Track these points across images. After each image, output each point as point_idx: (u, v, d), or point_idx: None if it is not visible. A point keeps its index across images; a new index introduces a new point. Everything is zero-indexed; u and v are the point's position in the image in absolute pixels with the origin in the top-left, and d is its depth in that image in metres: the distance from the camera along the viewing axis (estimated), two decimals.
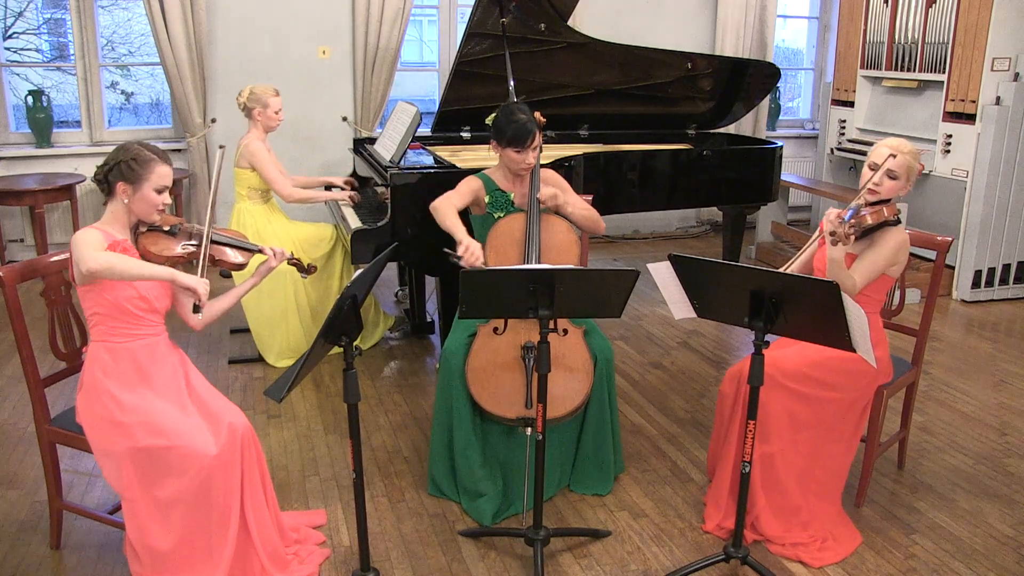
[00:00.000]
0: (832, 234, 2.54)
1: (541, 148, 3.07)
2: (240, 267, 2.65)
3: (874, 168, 2.72)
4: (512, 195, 3.10)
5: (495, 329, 2.82)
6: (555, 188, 3.06)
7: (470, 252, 2.84)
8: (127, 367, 2.40)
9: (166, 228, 2.50)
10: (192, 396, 2.46)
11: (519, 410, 2.79)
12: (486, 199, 3.12)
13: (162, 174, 2.40)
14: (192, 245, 2.52)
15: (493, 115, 3.06)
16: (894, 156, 2.69)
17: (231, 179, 4.26)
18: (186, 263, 2.53)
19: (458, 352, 2.87)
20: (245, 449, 2.39)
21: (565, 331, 2.86)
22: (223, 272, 3.54)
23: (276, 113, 4.10)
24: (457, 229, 2.96)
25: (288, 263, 2.73)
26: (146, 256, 2.42)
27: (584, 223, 3.15)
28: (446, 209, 3.04)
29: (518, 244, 2.93)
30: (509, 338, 2.82)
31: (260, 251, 2.64)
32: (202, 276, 2.43)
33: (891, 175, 2.71)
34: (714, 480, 2.92)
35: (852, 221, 2.56)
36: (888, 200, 2.75)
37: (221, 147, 2.59)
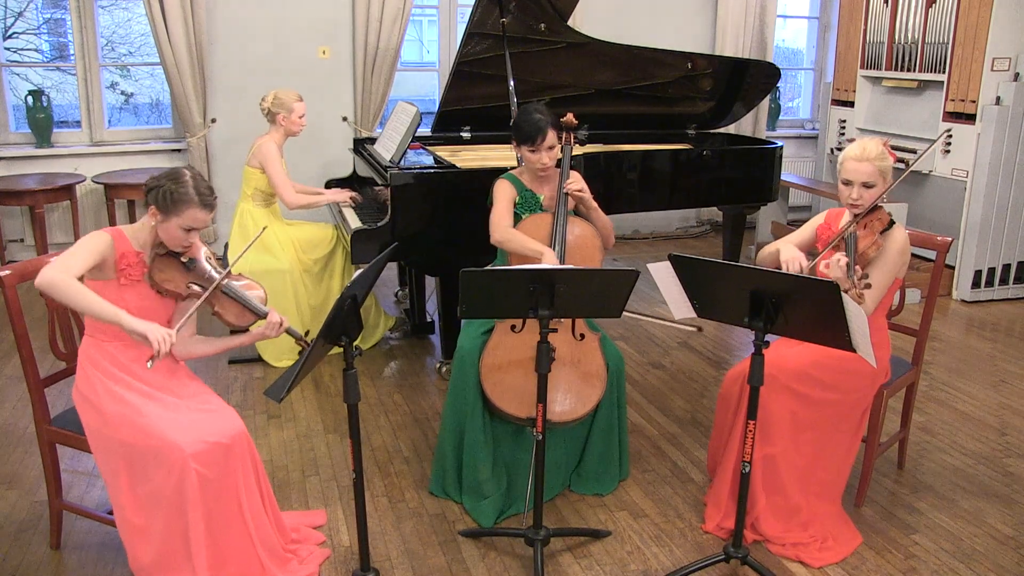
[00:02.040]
0: (846, 292, 2.42)
1: (572, 148, 3.06)
2: (238, 328, 2.45)
3: (848, 184, 2.68)
4: (542, 197, 3.09)
5: (512, 327, 2.81)
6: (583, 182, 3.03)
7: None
8: (109, 363, 2.40)
9: (184, 259, 2.42)
10: (184, 397, 2.45)
11: (529, 410, 2.76)
12: (516, 199, 3.08)
13: (194, 217, 2.34)
14: (198, 286, 2.40)
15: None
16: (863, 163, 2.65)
17: (235, 178, 4.25)
18: (186, 300, 2.44)
19: (472, 350, 2.85)
20: (240, 452, 2.38)
21: (582, 335, 2.85)
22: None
23: (300, 118, 4.14)
24: (530, 244, 2.87)
25: (287, 333, 2.50)
26: (151, 279, 2.37)
27: (602, 231, 3.09)
28: (507, 233, 2.94)
29: (542, 244, 2.92)
30: (526, 337, 2.80)
31: (264, 316, 2.46)
32: (174, 327, 2.32)
33: (867, 184, 2.66)
34: (714, 480, 2.91)
35: (859, 272, 2.47)
36: (875, 207, 2.69)
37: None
